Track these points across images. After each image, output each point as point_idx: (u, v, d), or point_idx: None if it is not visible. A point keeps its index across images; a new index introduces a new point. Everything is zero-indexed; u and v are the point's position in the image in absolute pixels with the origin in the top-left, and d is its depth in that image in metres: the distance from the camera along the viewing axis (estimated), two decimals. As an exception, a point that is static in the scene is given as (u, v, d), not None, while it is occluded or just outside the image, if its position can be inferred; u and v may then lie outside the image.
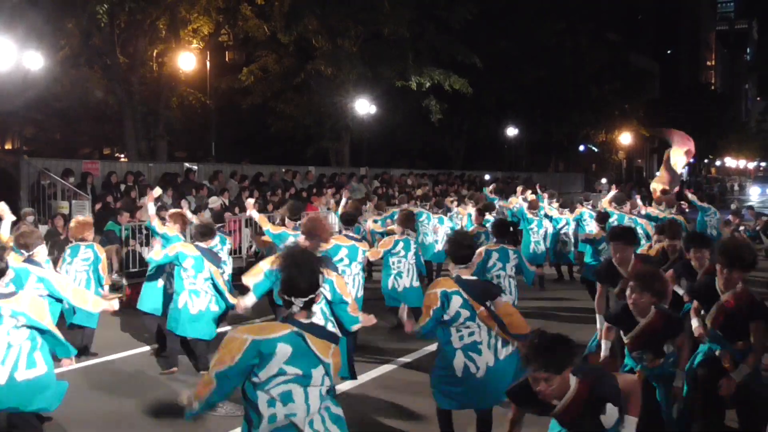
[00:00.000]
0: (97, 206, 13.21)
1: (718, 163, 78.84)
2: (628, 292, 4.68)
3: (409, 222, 8.95)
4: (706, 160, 73.00)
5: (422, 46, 23.05)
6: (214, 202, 14.65)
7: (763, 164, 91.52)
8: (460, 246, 4.91)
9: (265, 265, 5.69)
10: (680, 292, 6.22)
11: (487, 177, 29.08)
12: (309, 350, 3.20)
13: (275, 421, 3.15)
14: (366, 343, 8.27)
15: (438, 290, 4.71)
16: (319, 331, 3.32)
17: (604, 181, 38.87)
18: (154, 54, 20.38)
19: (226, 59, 28.92)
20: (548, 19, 30.55)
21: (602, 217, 10.61)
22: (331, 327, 5.13)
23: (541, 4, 30.40)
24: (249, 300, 5.57)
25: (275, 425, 3.14)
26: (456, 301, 4.68)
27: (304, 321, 3.26)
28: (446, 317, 4.68)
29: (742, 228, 16.89)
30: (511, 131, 33.14)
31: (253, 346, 3.11)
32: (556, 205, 14.40)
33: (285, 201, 15.90)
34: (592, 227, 11.81)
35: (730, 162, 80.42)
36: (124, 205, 12.97)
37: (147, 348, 8.34)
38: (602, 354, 5.05)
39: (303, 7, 20.60)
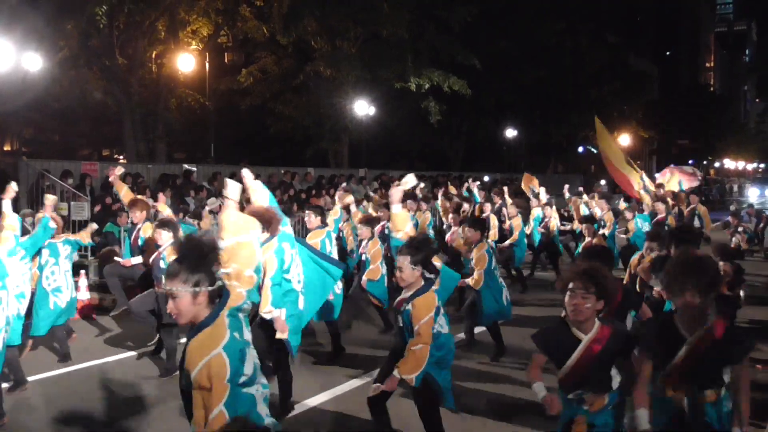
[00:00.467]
0: (96, 207, 13.21)
1: (717, 164, 78.87)
2: (567, 297, 3.59)
3: (373, 223, 9.17)
4: (705, 162, 72.98)
5: (422, 46, 23.03)
6: (213, 203, 14.65)
7: (761, 166, 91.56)
8: (428, 250, 4.70)
9: None
10: (656, 287, 6.00)
11: (486, 178, 29.06)
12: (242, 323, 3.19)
13: (267, 399, 3.23)
14: (358, 349, 8.27)
15: (432, 314, 4.50)
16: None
17: (603, 182, 38.85)
18: (153, 55, 20.39)
19: (225, 60, 28.97)
20: (548, 20, 30.54)
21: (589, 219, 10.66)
22: None
23: (541, 5, 30.38)
24: None
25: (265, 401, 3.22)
26: (440, 309, 4.68)
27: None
28: (438, 326, 4.60)
29: (741, 229, 16.91)
30: (510, 132, 33.14)
31: (232, 350, 3.00)
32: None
33: (284, 202, 15.94)
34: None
35: (729, 163, 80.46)
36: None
37: (133, 353, 8.26)
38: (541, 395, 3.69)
39: (302, 9, 20.60)
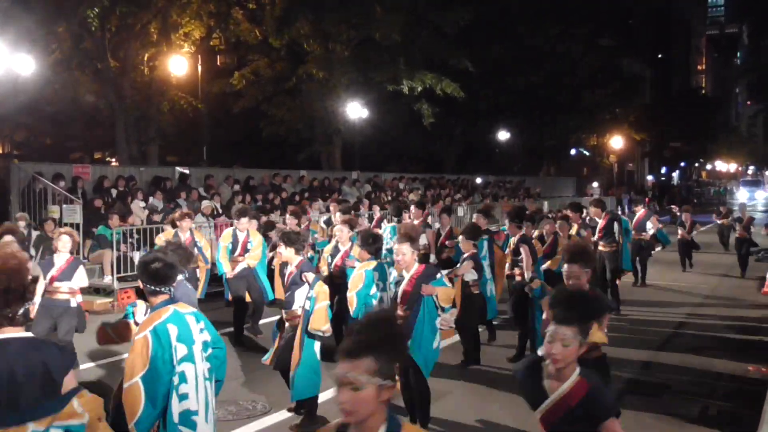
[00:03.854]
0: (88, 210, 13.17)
1: (708, 167, 79.19)
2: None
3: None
4: (696, 164, 73.31)
5: (415, 50, 23.01)
6: (206, 206, 14.65)
7: (751, 168, 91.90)
8: (371, 241, 6.66)
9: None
10: None
11: (478, 180, 29.12)
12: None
13: None
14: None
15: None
16: None
17: (595, 185, 39.05)
18: (146, 58, 20.32)
19: (218, 63, 28.91)
20: (544, 23, 30.51)
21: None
22: None
23: (537, 8, 30.35)
24: None
25: None
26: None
27: None
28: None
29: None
30: (504, 135, 33.17)
31: None
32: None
33: (276, 206, 15.93)
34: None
35: (721, 166, 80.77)
36: (117, 209, 12.96)
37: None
38: None
39: (295, 12, 20.57)
